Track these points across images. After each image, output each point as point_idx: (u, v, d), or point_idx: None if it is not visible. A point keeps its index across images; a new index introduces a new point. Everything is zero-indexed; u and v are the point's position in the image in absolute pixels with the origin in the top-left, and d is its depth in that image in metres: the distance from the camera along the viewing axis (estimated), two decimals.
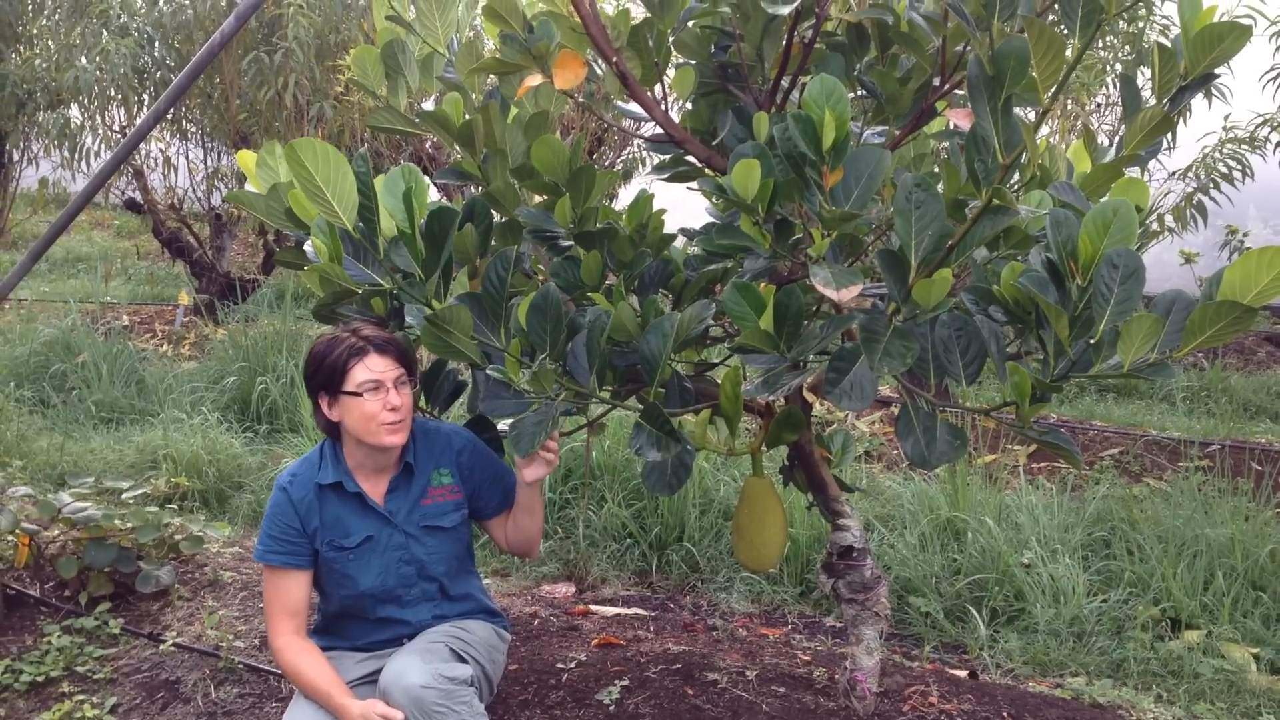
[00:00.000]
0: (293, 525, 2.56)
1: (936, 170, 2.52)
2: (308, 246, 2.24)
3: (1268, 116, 7.63)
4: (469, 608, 2.73)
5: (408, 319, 2.37)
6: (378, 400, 2.46)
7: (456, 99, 2.56)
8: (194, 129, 9.44)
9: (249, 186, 2.53)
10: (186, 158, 9.62)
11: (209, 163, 9.61)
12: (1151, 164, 6.64)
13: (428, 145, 8.71)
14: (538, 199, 2.59)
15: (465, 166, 2.54)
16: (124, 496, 4.12)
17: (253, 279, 9.60)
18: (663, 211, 2.52)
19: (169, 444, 5.32)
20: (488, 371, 2.23)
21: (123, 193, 10.25)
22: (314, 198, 2.12)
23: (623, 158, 9.60)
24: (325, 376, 2.47)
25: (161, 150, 9.56)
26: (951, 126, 2.33)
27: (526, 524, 2.68)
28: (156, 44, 8.62)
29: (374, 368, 2.46)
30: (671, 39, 2.38)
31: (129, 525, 3.72)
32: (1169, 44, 2.02)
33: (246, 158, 2.49)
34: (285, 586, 2.58)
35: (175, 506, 4.79)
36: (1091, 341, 1.88)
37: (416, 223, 2.13)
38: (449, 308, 2.14)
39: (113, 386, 6.46)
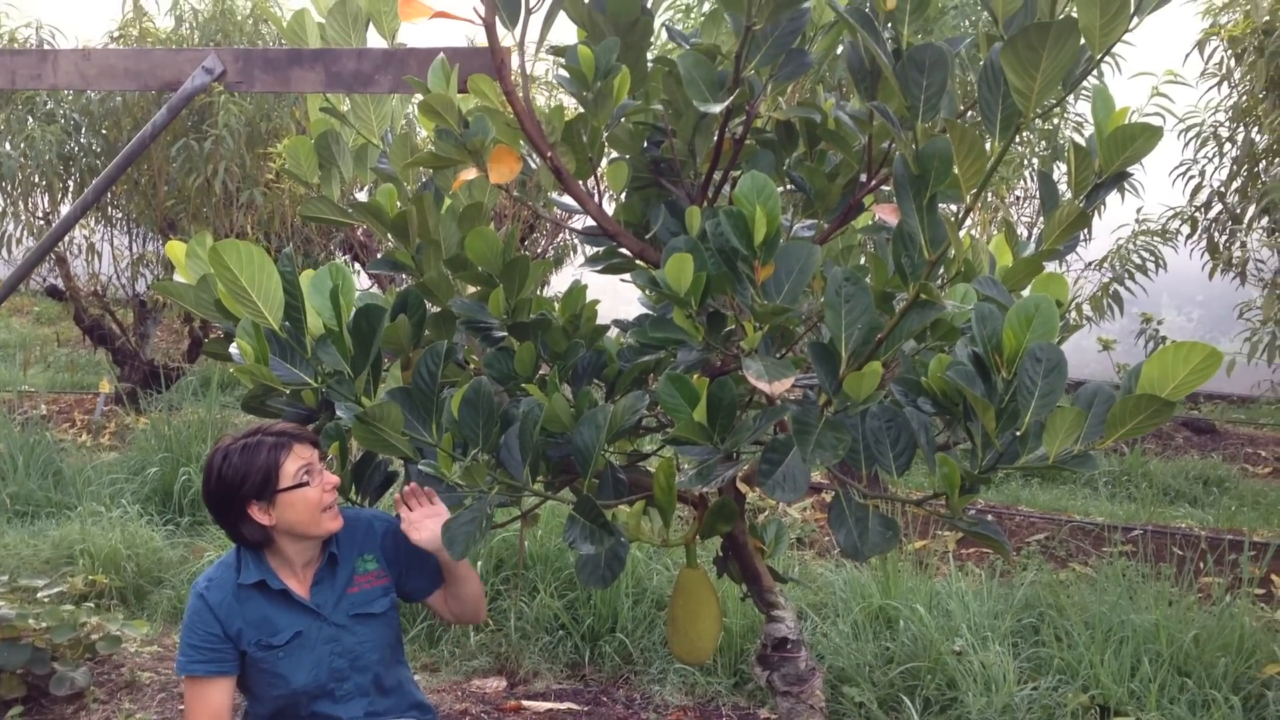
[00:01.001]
0: (213, 631, 2.49)
1: (864, 261, 2.57)
2: (233, 348, 2.21)
3: (1178, 210, 7.93)
4: (400, 703, 2.67)
5: (338, 413, 2.35)
6: (318, 485, 2.44)
7: (391, 189, 2.57)
8: (119, 215, 9.31)
9: (178, 277, 2.51)
10: (111, 244, 9.47)
11: (134, 249, 9.47)
12: (1069, 255, 6.85)
13: (359, 233, 8.68)
14: (471, 290, 2.59)
15: (399, 257, 2.54)
16: (39, 595, 3.98)
17: (177, 367, 9.41)
18: (596, 303, 2.54)
19: (86, 538, 5.14)
20: (420, 467, 2.20)
21: (44, 280, 10.04)
22: (239, 299, 2.10)
23: (555, 244, 9.67)
24: (258, 482, 2.43)
25: (86, 236, 9.41)
26: (877, 220, 2.38)
27: (464, 593, 2.66)
28: (83, 130, 8.54)
29: (303, 455, 2.45)
30: (605, 134, 2.41)
31: (43, 625, 3.59)
32: (1084, 143, 2.09)
33: (176, 249, 2.47)
34: (208, 695, 2.49)
35: (92, 604, 4.62)
36: (1018, 433, 1.91)
37: (344, 321, 2.12)
38: (379, 405, 2.12)
39: (29, 479, 6.26)
